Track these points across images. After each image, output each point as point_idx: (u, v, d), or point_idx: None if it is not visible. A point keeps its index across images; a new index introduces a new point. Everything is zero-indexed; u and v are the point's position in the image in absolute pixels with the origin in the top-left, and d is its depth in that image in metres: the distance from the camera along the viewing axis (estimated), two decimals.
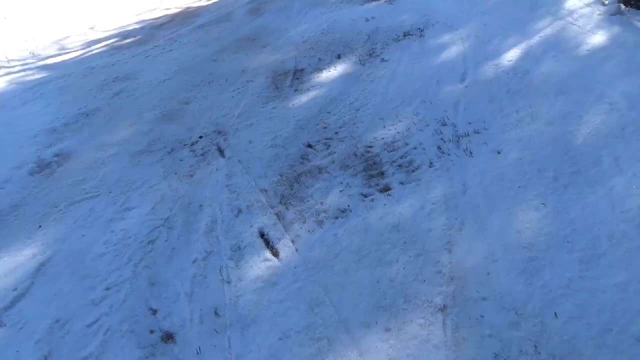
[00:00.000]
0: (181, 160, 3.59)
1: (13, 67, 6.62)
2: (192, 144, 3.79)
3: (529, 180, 2.66)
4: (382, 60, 4.66)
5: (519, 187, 2.63)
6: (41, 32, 8.60)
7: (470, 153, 3.01)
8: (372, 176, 3.03)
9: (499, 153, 2.94)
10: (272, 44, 5.86)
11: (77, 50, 7.34)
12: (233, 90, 4.62)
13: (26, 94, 5.41)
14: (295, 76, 4.71)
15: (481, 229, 2.44)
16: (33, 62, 6.81)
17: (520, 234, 2.35)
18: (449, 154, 3.05)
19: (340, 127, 3.64)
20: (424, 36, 5.03)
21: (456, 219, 2.54)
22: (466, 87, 3.78)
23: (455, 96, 3.67)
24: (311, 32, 6.03)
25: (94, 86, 5.36)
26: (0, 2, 13.33)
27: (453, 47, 4.52)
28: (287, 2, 7.90)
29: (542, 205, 2.48)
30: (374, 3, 6.78)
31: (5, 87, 5.77)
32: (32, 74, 6.24)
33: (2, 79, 6.05)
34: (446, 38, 4.81)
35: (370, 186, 2.94)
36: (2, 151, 4.03)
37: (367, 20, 6.02)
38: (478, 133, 3.18)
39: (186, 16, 8.49)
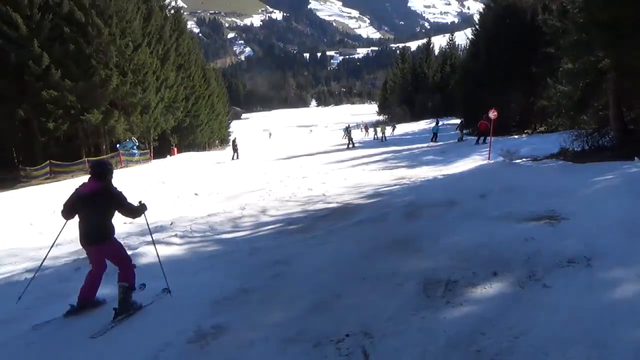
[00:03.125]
0: (325, 357, 3.58)
1: (194, 237, 7.65)
2: (338, 341, 3.79)
3: None
4: (544, 286, 4.41)
5: None
6: (222, 211, 10.00)
7: None
8: None
9: None
10: (425, 250, 5.98)
11: (247, 230, 8.29)
12: (384, 291, 4.68)
13: (200, 263, 6.13)
14: (448, 287, 4.65)
15: None
16: (210, 235, 7.82)
17: None
18: None
19: (497, 354, 3.37)
20: (591, 266, 4.72)
21: None
22: None
23: (637, 346, 3.24)
24: (465, 244, 6.06)
25: (256, 265, 5.87)
26: (194, 183, 16.02)
27: (630, 285, 4.14)
28: (442, 211, 8.22)
29: None
30: (532, 223, 6.71)
31: (185, 254, 6.63)
32: (208, 246, 7.11)
33: (184, 246, 6.98)
34: (620, 273, 4.44)
35: None
36: (171, 314, 4.45)
37: (526, 240, 5.91)
38: None
39: (345, 212, 9.23)
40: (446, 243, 6.22)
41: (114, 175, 4.79)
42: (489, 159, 15.01)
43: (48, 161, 24.04)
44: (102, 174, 4.59)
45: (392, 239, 6.69)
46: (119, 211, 4.70)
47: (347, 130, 33.63)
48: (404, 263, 5.52)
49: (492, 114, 15.93)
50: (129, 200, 4.77)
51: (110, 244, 4.63)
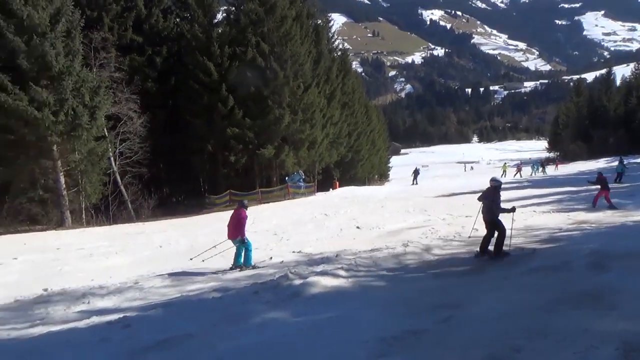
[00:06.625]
0: None
1: (359, 271, 7.75)
2: None
3: None
4: None
5: None
6: (384, 246, 10.00)
7: None
8: None
9: None
10: (622, 309, 5.16)
11: (411, 268, 8.15)
12: (573, 353, 4.13)
13: (366, 298, 6.15)
14: None
15: None
16: (375, 271, 7.85)
17: None
18: None
19: None
20: None
21: None
22: None
23: None
24: None
25: (423, 306, 5.68)
26: (355, 216, 16.38)
27: None
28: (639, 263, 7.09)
29: None
30: None
31: (351, 287, 6.73)
32: (373, 281, 7.14)
33: (350, 279, 7.11)
34: None
35: None
36: (340, 348, 4.50)
37: None
38: None
39: (518, 257, 8.52)
40: None
41: None
42: None
43: (228, 191, 26.89)
44: None
45: (578, 292, 5.93)
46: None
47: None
48: (595, 322, 4.84)
49: None
50: None
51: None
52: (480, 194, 9.00)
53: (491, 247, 8.50)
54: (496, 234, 8.44)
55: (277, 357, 4.37)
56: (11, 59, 16.96)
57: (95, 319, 6.04)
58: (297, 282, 6.80)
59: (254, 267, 9.39)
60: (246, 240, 9.47)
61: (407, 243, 10.05)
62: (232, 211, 10.03)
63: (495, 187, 8.49)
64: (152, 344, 4.88)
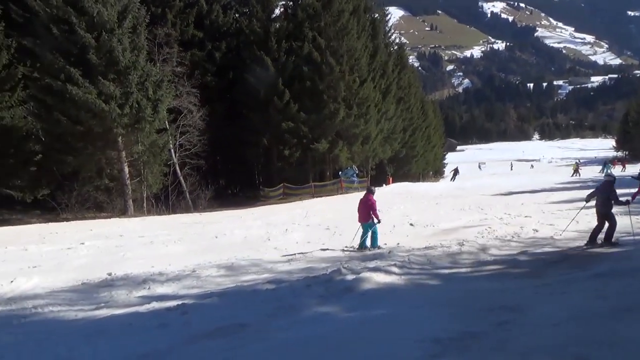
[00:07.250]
0: None
1: (412, 268, 7.64)
2: None
3: None
4: None
5: None
6: (439, 244, 9.80)
7: None
8: None
9: None
10: None
11: (467, 268, 7.94)
12: None
13: (420, 296, 6.05)
14: None
15: None
16: (429, 269, 7.71)
17: None
18: None
19: None
20: None
21: None
22: None
23: None
24: None
25: (480, 308, 5.51)
26: (408, 213, 16.12)
27: None
28: None
29: None
30: None
31: (404, 285, 6.64)
32: (427, 280, 7.01)
33: (403, 277, 7.01)
34: None
35: None
36: (394, 347, 4.45)
37: None
38: None
39: (581, 260, 8.13)
40: None
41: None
42: None
43: (282, 184, 27.27)
44: None
45: None
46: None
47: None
48: None
49: None
50: None
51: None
52: (591, 191, 9.92)
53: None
54: (606, 225, 9.16)
55: (330, 351, 4.37)
56: (82, 54, 17.94)
57: (155, 305, 6.28)
58: (350, 277, 6.77)
59: (379, 248, 10.30)
60: (375, 224, 10.56)
61: (462, 242, 9.80)
62: (361, 196, 11.20)
63: (610, 182, 9.29)
64: (207, 331, 5.02)
